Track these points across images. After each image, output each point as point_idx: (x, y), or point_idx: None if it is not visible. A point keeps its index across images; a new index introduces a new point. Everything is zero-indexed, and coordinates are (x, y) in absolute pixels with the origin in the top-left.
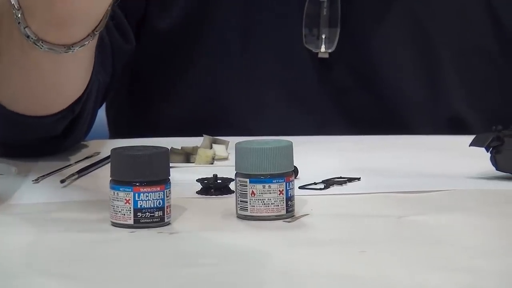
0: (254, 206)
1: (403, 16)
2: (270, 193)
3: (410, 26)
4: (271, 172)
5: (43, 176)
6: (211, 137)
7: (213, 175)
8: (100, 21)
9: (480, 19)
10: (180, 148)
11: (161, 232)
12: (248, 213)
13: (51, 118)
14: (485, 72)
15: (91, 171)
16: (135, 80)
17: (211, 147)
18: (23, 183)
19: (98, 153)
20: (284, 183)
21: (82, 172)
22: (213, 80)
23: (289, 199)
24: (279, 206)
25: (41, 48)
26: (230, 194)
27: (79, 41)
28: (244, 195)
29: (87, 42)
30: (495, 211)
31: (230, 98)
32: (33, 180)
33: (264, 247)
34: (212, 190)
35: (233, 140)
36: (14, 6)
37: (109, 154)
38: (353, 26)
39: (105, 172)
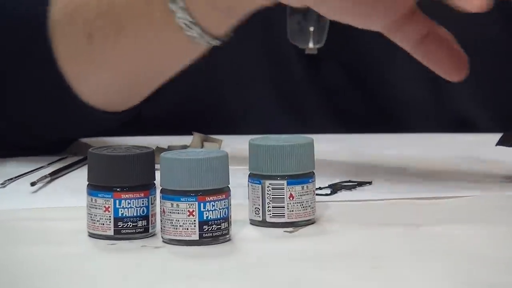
0: (164, 226)
1: None
2: (178, 213)
3: None
4: (181, 189)
5: (11, 179)
6: (202, 135)
7: None
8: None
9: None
10: (167, 147)
11: (145, 246)
12: (162, 234)
13: (121, 115)
14: (493, 67)
15: (65, 174)
16: None
17: (202, 146)
18: None
19: (73, 154)
20: (196, 203)
21: (55, 175)
22: (202, 76)
23: (205, 223)
24: (189, 230)
25: (188, 30)
26: None
27: (224, 34)
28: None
29: (229, 35)
30: None
31: (217, 95)
32: None
33: (262, 262)
34: None
35: (227, 138)
36: None
37: (86, 155)
38: None
39: (81, 175)
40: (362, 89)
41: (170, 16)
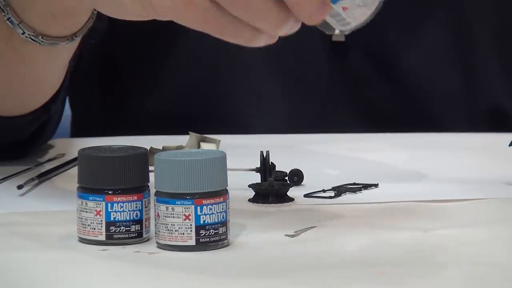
0: (159, 231)
1: None
2: (173, 217)
3: (441, 3)
4: (176, 191)
5: None
6: (198, 134)
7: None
8: None
9: None
10: (161, 148)
11: (139, 252)
12: (157, 239)
13: (25, 118)
14: None
15: (54, 176)
16: (107, 67)
17: (199, 147)
18: None
19: (63, 155)
20: (193, 206)
21: (43, 176)
22: (200, 66)
23: (202, 227)
24: (185, 235)
25: (40, 44)
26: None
27: (81, 28)
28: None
29: (89, 26)
30: None
31: (222, 87)
32: None
33: (262, 269)
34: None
35: (225, 138)
36: (1, 2)
37: (76, 155)
38: None
39: (71, 177)
40: (390, 79)
41: (13, 32)
